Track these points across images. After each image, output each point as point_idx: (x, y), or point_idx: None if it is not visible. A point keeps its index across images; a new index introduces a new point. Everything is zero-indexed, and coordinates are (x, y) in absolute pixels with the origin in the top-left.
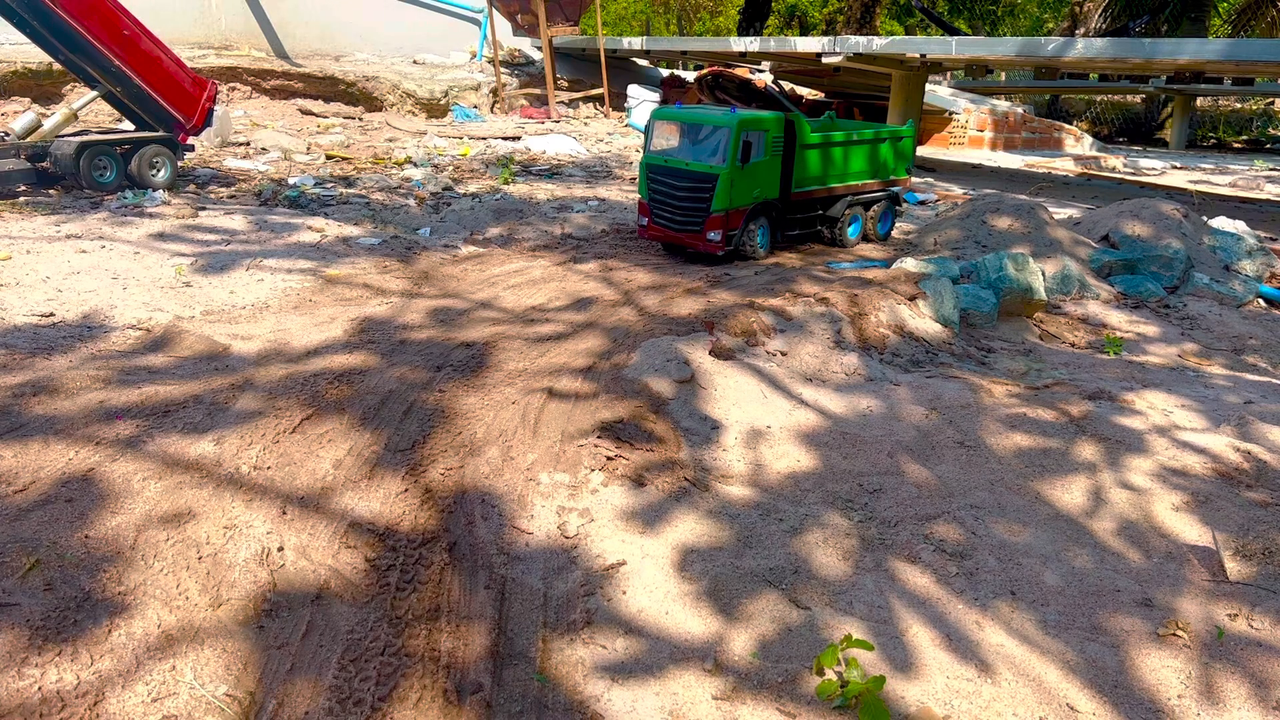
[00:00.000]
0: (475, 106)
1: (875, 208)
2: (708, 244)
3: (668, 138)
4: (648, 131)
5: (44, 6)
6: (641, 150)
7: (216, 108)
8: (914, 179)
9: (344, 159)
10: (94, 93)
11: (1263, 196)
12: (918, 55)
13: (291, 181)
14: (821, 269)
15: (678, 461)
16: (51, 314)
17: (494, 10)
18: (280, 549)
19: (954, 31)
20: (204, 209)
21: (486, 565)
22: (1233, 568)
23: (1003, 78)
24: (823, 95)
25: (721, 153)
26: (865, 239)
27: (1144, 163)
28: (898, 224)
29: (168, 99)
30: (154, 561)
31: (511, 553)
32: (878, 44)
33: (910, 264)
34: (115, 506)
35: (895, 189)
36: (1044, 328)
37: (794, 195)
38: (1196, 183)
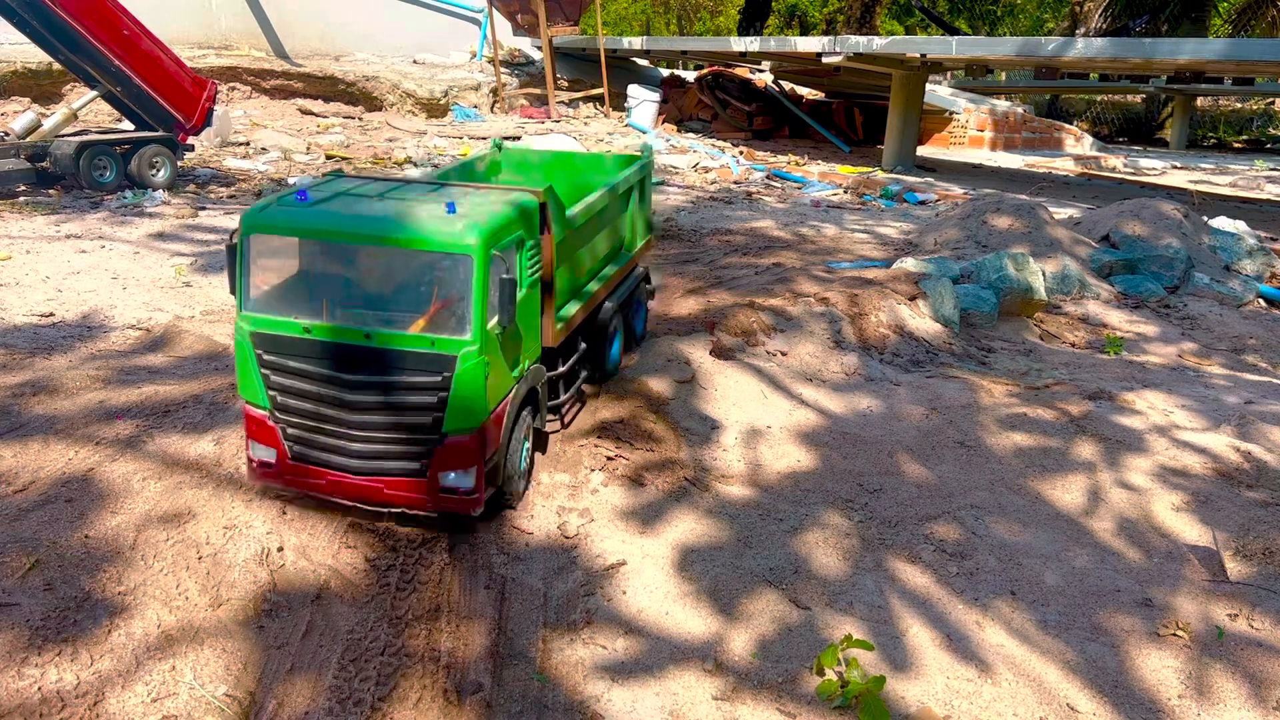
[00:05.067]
0: (475, 106)
1: (630, 301)
2: (441, 500)
3: (300, 277)
4: (242, 259)
5: (44, 6)
6: (241, 302)
7: (216, 108)
8: (912, 179)
9: (344, 159)
10: (94, 93)
11: (1263, 196)
12: (918, 55)
13: (291, 181)
14: (821, 269)
15: (677, 461)
16: (51, 314)
17: (494, 10)
18: (280, 549)
19: (954, 31)
20: (204, 209)
21: (486, 565)
22: (1233, 567)
23: (1003, 78)
24: (823, 95)
25: (451, 305)
26: (625, 350)
27: (1144, 163)
28: (899, 224)
29: (167, 99)
30: (154, 561)
31: (511, 553)
32: (878, 44)
33: (910, 264)
34: (115, 506)
35: (641, 267)
36: (1044, 327)
37: (559, 332)
38: (1197, 183)
